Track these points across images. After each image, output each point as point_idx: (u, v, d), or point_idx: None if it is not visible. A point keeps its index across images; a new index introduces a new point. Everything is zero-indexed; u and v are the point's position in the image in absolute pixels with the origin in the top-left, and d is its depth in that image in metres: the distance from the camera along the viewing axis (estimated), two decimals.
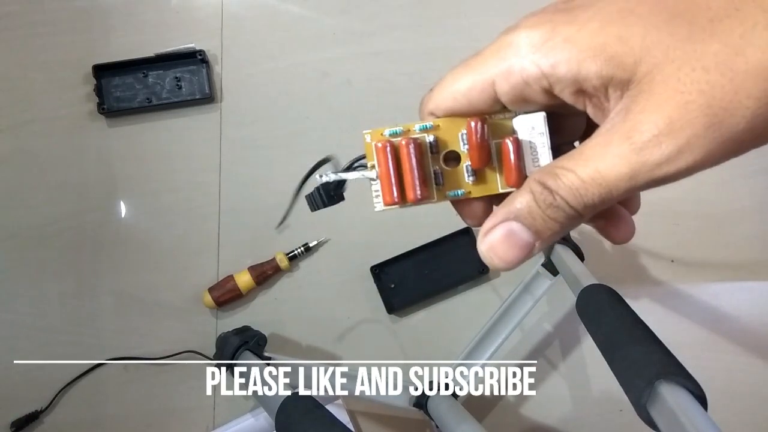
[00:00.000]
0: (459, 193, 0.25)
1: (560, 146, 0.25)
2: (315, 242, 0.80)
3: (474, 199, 0.25)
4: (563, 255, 0.70)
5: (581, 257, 0.73)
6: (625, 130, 0.19)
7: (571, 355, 0.80)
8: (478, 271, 0.79)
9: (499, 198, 0.25)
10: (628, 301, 0.57)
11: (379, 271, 0.79)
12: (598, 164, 0.20)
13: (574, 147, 0.21)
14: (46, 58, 0.82)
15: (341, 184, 0.26)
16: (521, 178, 0.23)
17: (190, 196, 0.81)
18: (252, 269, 0.77)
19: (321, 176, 0.26)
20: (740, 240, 0.81)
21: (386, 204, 0.25)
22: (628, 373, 0.47)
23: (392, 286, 0.79)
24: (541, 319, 0.80)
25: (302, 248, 0.79)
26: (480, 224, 0.25)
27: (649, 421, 0.44)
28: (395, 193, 0.24)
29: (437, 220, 0.80)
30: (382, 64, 0.83)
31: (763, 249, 0.81)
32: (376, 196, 0.25)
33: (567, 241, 0.74)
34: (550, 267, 0.72)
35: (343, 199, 0.27)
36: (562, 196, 0.20)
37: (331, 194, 0.27)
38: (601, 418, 0.79)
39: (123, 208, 0.81)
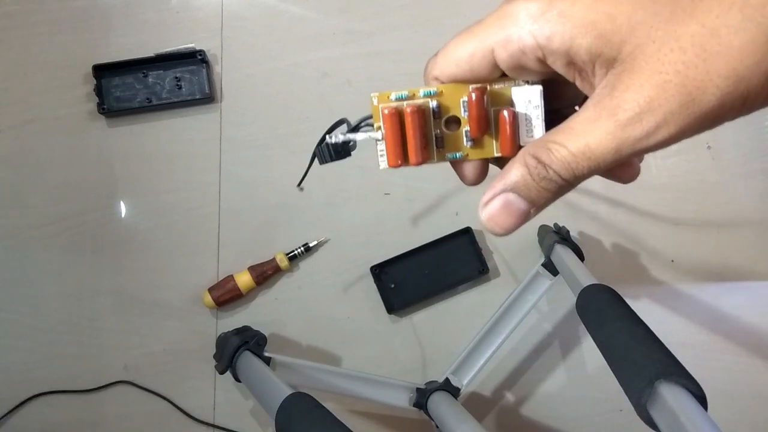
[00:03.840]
0: (457, 155, 0.27)
1: (560, 110, 0.27)
2: (315, 242, 0.80)
3: (471, 161, 0.27)
4: (563, 255, 0.70)
5: (581, 257, 0.73)
6: (612, 107, 0.21)
7: (571, 355, 0.80)
8: (478, 271, 0.79)
9: (495, 160, 0.27)
10: (628, 301, 0.57)
11: (379, 271, 0.79)
12: (587, 139, 0.21)
13: (575, 110, 0.23)
14: (46, 58, 0.82)
15: (348, 142, 0.28)
16: (515, 148, 0.25)
17: (190, 196, 0.81)
18: (252, 269, 0.77)
19: (330, 137, 0.28)
20: (740, 240, 0.81)
21: (390, 166, 0.27)
22: (628, 373, 0.47)
23: (392, 286, 0.79)
24: (541, 319, 0.80)
25: (302, 248, 0.79)
26: (475, 183, 0.28)
27: (649, 421, 0.44)
28: (399, 157, 0.26)
29: (437, 220, 0.80)
30: (382, 64, 0.83)
31: (763, 249, 0.81)
32: (381, 156, 0.27)
33: (567, 241, 0.73)
34: (550, 267, 0.72)
35: (349, 155, 0.29)
36: (555, 170, 0.22)
37: (339, 150, 0.28)
38: (601, 418, 0.79)
39: (123, 208, 0.81)
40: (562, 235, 0.74)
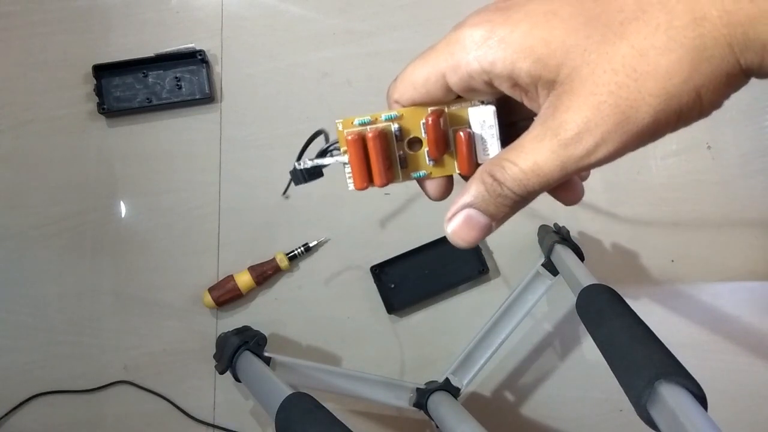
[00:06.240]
0: (421, 174, 0.28)
1: (518, 122, 0.28)
2: (315, 242, 0.80)
3: (434, 178, 0.29)
4: (563, 255, 0.70)
5: (581, 257, 0.73)
6: (554, 127, 0.22)
7: (571, 355, 0.80)
8: (478, 271, 0.79)
9: (461, 175, 0.29)
10: (628, 301, 0.57)
11: (379, 271, 0.79)
12: (536, 157, 0.23)
13: (532, 121, 0.24)
14: (46, 58, 0.82)
15: (318, 166, 0.29)
16: (472, 166, 0.27)
17: (190, 196, 0.81)
18: (252, 269, 0.77)
19: (299, 164, 0.29)
20: (740, 240, 0.81)
21: (357, 188, 0.28)
22: (628, 373, 0.47)
23: (392, 286, 0.79)
24: (541, 319, 0.80)
25: (302, 248, 0.79)
26: (439, 199, 0.30)
27: (649, 421, 0.44)
28: (365, 180, 0.27)
29: (437, 220, 0.80)
30: (382, 64, 0.83)
31: (763, 249, 0.81)
32: (349, 178, 0.28)
33: (567, 241, 0.74)
34: (550, 267, 0.72)
35: (322, 175, 0.30)
36: (508, 187, 0.24)
37: (311, 172, 0.29)
38: (601, 418, 0.79)
39: (123, 208, 0.81)
40: (562, 235, 0.74)
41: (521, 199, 0.24)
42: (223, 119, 0.82)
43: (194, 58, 0.81)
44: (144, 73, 0.81)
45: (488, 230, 0.25)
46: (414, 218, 0.81)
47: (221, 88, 0.83)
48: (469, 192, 0.25)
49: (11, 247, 0.80)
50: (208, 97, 0.81)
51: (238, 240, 0.80)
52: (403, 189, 0.81)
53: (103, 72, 0.80)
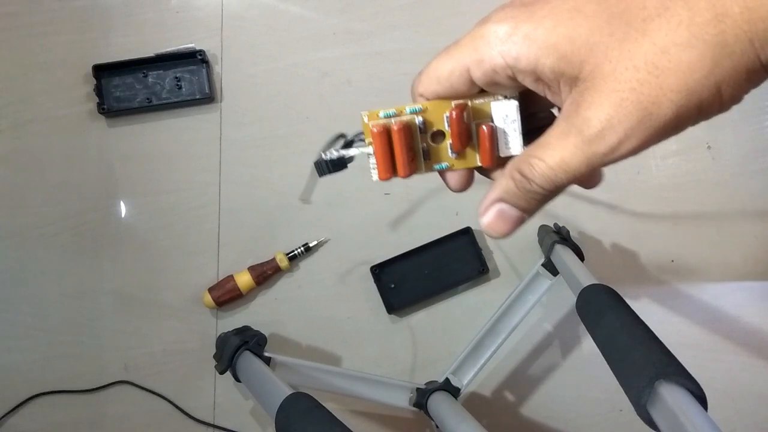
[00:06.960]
0: (443, 166, 0.29)
1: (537, 113, 0.29)
2: (315, 242, 0.80)
3: (456, 170, 0.29)
4: (563, 255, 0.70)
5: (581, 257, 0.73)
6: (578, 124, 0.23)
7: (571, 355, 0.80)
8: (478, 271, 0.79)
9: (479, 168, 0.30)
10: (628, 301, 0.57)
11: (379, 271, 0.79)
12: (562, 153, 0.24)
13: (551, 113, 0.25)
14: (46, 58, 0.82)
15: (343, 157, 0.30)
16: (495, 159, 0.28)
17: (190, 196, 0.81)
18: (252, 269, 0.77)
19: (325, 153, 0.30)
20: (740, 240, 0.81)
21: (381, 179, 0.29)
22: (628, 373, 0.47)
23: (392, 286, 0.79)
24: (541, 319, 0.80)
25: (302, 248, 0.79)
26: (460, 190, 0.30)
27: (649, 421, 0.44)
28: (389, 170, 0.28)
29: (437, 220, 0.80)
30: (382, 64, 0.83)
31: (763, 249, 0.81)
32: (373, 169, 0.29)
33: (567, 241, 0.74)
34: (550, 267, 0.72)
35: (345, 167, 0.30)
36: (537, 183, 0.25)
37: (335, 162, 0.30)
38: (601, 418, 0.79)
39: (123, 208, 0.81)
40: (562, 235, 0.74)
41: (550, 193, 0.25)
42: (223, 119, 0.82)
43: (194, 58, 0.81)
44: (144, 73, 0.81)
45: (521, 221, 0.27)
46: (414, 218, 0.81)
47: (221, 88, 0.83)
48: (500, 187, 0.26)
49: (11, 247, 0.80)
50: (208, 97, 0.81)
51: (238, 240, 0.80)
52: (404, 189, 0.81)
53: (103, 72, 0.80)
